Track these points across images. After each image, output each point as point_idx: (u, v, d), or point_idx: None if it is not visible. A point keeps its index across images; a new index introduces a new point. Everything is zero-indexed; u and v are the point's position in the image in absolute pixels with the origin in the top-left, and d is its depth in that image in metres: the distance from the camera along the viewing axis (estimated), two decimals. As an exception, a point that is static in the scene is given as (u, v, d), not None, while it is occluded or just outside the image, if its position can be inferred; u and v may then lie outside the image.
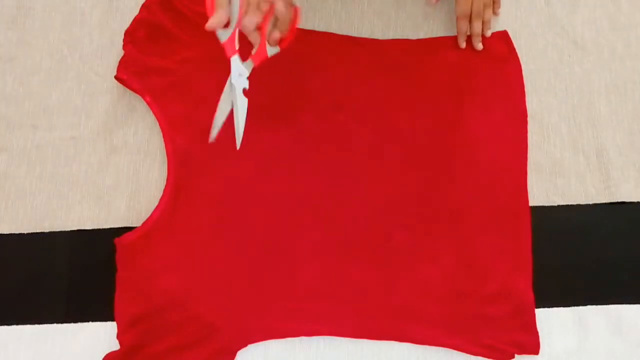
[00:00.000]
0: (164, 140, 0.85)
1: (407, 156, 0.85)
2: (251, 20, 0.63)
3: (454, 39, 0.91)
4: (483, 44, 0.89)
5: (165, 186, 0.83)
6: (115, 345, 0.77)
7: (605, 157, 0.86)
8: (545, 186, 0.85)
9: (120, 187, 0.85)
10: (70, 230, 0.84)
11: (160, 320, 0.77)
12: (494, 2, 0.92)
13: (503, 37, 0.91)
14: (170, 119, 0.86)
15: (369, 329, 0.78)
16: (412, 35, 0.92)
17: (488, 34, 0.90)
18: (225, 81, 0.82)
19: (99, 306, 0.79)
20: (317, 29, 0.92)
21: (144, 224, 0.81)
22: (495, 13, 0.92)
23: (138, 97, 0.88)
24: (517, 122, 0.87)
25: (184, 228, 0.81)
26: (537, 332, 0.78)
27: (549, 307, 0.79)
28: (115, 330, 0.77)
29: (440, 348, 0.78)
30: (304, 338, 0.79)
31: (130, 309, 0.78)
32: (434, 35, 0.92)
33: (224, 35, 0.67)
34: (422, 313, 0.78)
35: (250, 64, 0.70)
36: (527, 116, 0.87)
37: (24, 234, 0.84)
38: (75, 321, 0.80)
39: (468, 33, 0.90)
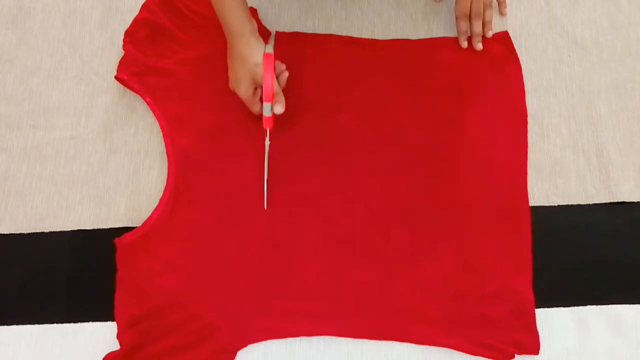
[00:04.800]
0: (164, 141, 0.85)
1: (407, 156, 0.85)
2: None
3: (454, 39, 0.91)
4: (483, 45, 0.89)
5: (165, 186, 0.83)
6: (115, 345, 0.77)
7: (605, 157, 0.86)
8: (545, 186, 0.85)
9: (120, 187, 0.85)
10: (70, 230, 0.83)
11: (160, 320, 0.77)
12: (499, 3, 0.92)
13: (503, 38, 0.91)
14: (170, 119, 0.86)
15: (369, 329, 0.78)
16: (412, 35, 0.92)
17: (489, 34, 0.90)
18: (224, 82, 0.82)
19: (99, 306, 0.79)
20: (317, 29, 0.92)
21: (143, 224, 0.81)
22: (502, 13, 0.92)
23: (138, 97, 0.88)
24: (517, 122, 0.87)
25: (184, 228, 0.81)
26: (537, 332, 0.78)
27: (549, 307, 0.79)
28: (115, 330, 0.77)
29: (440, 348, 0.78)
30: (304, 338, 0.78)
31: (130, 309, 0.78)
32: (434, 35, 0.92)
33: (268, 110, 0.80)
34: (422, 313, 0.78)
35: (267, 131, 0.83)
36: (527, 116, 0.87)
37: (24, 234, 0.84)
38: (75, 321, 0.80)
39: (469, 33, 0.90)
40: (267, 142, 0.82)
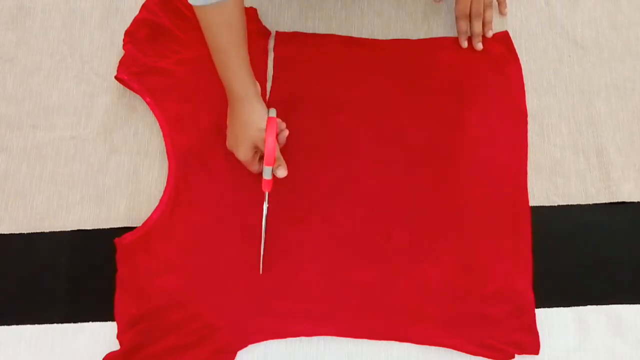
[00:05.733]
0: (164, 141, 0.85)
1: (407, 156, 0.85)
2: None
3: (455, 39, 0.91)
4: (483, 45, 0.89)
5: (165, 186, 0.83)
6: (115, 345, 0.77)
7: (605, 157, 0.86)
8: (545, 186, 0.85)
9: (120, 187, 0.85)
10: (70, 230, 0.83)
11: (160, 320, 0.77)
12: (499, 3, 0.92)
13: (504, 38, 0.91)
14: (170, 119, 0.86)
15: (369, 329, 0.78)
16: (412, 35, 0.92)
17: (489, 34, 0.90)
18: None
19: (99, 306, 0.79)
20: (317, 29, 0.92)
21: (144, 224, 0.81)
22: (502, 13, 0.92)
23: (138, 97, 0.88)
24: (517, 122, 0.87)
25: (184, 228, 0.81)
26: (537, 332, 0.78)
27: (549, 307, 0.79)
28: (115, 330, 0.77)
29: (440, 348, 0.78)
30: (304, 338, 0.78)
31: (130, 309, 0.78)
32: (434, 35, 0.92)
33: (268, 174, 0.77)
34: (422, 313, 0.78)
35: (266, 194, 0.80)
36: (527, 116, 0.87)
37: (24, 234, 0.84)
38: (75, 321, 0.80)
39: (469, 33, 0.90)
40: (266, 206, 0.79)
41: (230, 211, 0.82)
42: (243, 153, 0.78)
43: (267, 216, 0.79)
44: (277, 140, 0.78)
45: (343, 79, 0.89)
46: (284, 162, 0.78)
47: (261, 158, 0.79)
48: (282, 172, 0.77)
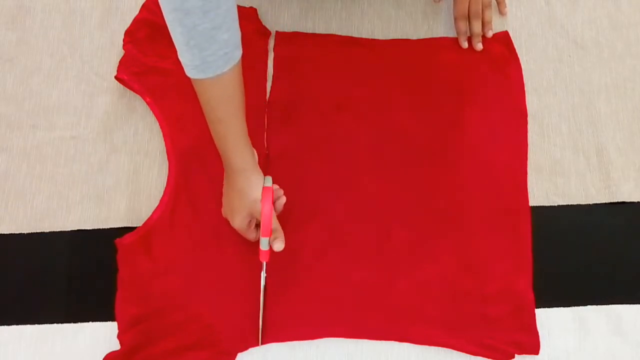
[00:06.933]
0: (164, 141, 0.85)
1: (407, 156, 0.85)
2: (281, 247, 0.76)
3: (455, 39, 0.91)
4: (483, 45, 0.89)
5: (166, 186, 0.83)
6: (115, 345, 0.77)
7: (605, 157, 0.86)
8: (545, 186, 0.85)
9: (120, 187, 0.85)
10: (70, 230, 0.83)
11: (161, 321, 0.77)
12: (499, 3, 0.92)
13: (504, 38, 0.91)
14: (170, 119, 0.86)
15: (369, 329, 0.78)
16: (412, 35, 0.92)
17: (489, 34, 0.90)
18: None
19: (99, 306, 0.79)
20: (317, 29, 0.92)
21: (144, 224, 0.81)
22: (502, 13, 0.92)
23: (138, 97, 0.88)
24: (517, 122, 0.87)
25: (184, 228, 0.81)
26: (537, 332, 0.78)
27: (549, 307, 0.79)
28: (115, 330, 0.77)
29: (440, 348, 0.78)
30: (304, 338, 0.79)
31: (131, 309, 0.78)
32: (434, 35, 0.92)
33: (265, 244, 0.75)
34: (422, 313, 0.78)
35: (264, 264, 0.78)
36: (527, 116, 0.87)
37: (24, 234, 0.84)
38: (75, 321, 0.80)
39: (468, 34, 0.90)
40: (264, 275, 0.77)
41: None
42: (239, 222, 0.76)
43: (265, 285, 0.77)
44: (275, 208, 0.76)
45: (343, 79, 0.89)
46: (281, 233, 0.75)
47: (258, 226, 0.77)
48: (279, 245, 0.74)
